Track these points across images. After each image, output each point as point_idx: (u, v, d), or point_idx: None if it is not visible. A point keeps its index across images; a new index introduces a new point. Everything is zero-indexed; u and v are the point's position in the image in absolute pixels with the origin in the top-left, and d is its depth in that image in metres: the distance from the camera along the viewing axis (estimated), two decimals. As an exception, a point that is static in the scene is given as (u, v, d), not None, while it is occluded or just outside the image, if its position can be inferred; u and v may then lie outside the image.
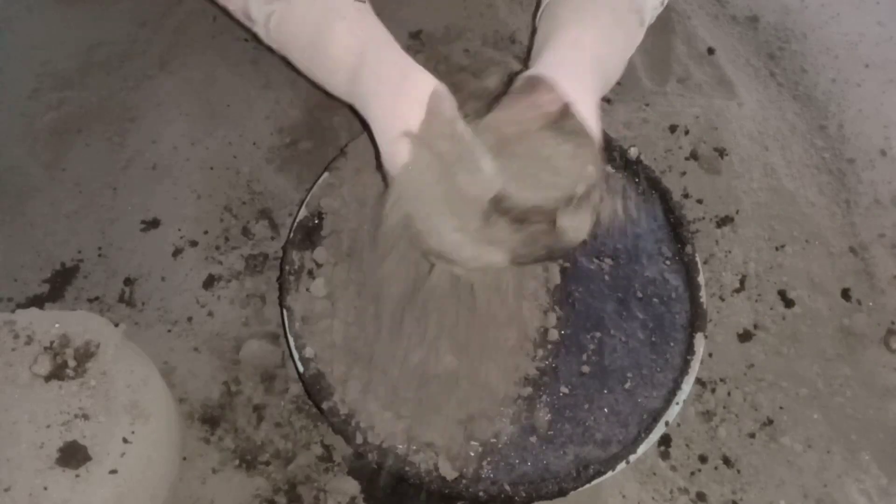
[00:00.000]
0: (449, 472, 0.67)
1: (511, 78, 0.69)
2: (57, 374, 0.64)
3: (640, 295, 0.79)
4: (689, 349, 0.76)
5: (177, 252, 0.86)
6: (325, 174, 0.83)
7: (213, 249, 0.87)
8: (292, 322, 0.74)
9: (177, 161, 0.92)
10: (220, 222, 0.89)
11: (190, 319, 0.82)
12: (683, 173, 0.95)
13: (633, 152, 0.86)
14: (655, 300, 0.79)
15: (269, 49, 0.75)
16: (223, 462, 0.75)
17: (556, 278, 0.76)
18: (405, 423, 0.69)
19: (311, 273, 0.78)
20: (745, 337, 0.86)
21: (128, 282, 0.84)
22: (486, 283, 0.70)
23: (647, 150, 0.96)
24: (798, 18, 1.15)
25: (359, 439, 0.69)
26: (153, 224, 0.88)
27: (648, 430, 0.72)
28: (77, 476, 0.60)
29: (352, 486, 0.74)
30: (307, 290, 0.76)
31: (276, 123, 0.96)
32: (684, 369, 0.75)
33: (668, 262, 0.81)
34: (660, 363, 0.76)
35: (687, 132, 0.98)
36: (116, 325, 0.68)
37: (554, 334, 0.74)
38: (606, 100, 0.99)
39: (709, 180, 0.95)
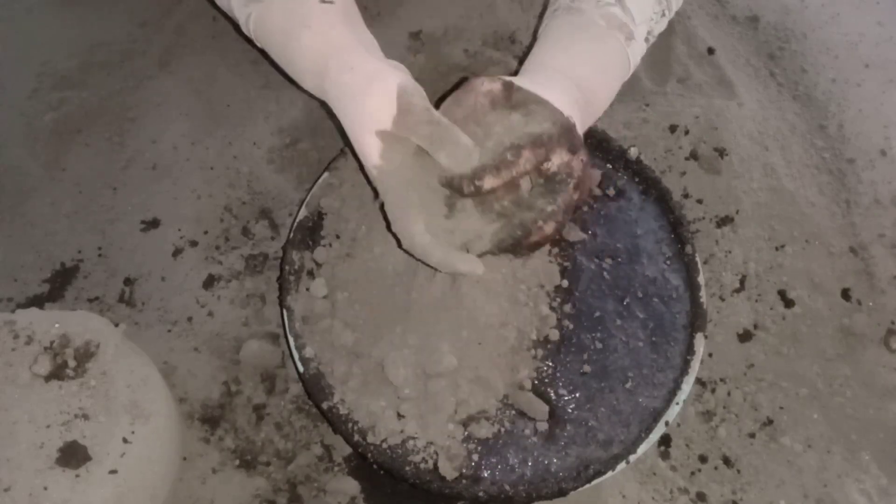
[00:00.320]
0: (449, 472, 0.67)
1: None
2: (57, 374, 0.64)
3: (640, 294, 0.79)
4: (689, 349, 0.76)
5: (177, 252, 0.86)
6: (325, 174, 0.83)
7: (213, 249, 0.87)
8: (292, 322, 0.74)
9: (177, 161, 0.92)
10: (220, 222, 0.89)
11: (190, 319, 0.82)
12: (683, 173, 0.95)
13: (632, 152, 0.86)
14: (656, 300, 0.79)
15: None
16: (223, 462, 0.75)
17: (556, 278, 0.76)
18: (405, 423, 0.69)
19: (311, 273, 0.78)
20: (745, 337, 0.86)
21: (128, 282, 0.84)
22: (472, 283, 0.70)
23: (647, 150, 0.96)
24: (798, 18, 1.15)
25: (359, 439, 0.69)
26: (153, 224, 0.88)
27: (648, 430, 0.72)
28: (77, 476, 0.60)
29: (352, 486, 0.74)
30: (307, 290, 0.76)
31: (276, 123, 0.96)
32: (684, 369, 0.75)
33: (668, 262, 0.81)
34: (660, 363, 0.76)
35: (687, 132, 0.98)
36: (116, 325, 0.68)
37: (554, 334, 0.74)
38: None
39: (709, 180, 0.95)
